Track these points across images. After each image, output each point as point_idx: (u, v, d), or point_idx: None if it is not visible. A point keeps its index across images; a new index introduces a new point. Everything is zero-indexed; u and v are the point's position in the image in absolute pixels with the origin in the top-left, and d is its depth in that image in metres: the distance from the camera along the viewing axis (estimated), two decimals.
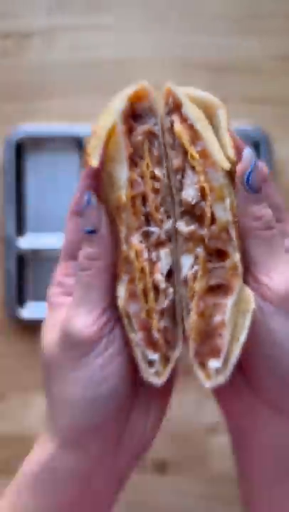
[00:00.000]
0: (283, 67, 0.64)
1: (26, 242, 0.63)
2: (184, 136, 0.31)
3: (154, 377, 0.31)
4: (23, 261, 0.63)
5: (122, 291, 0.31)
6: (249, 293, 0.30)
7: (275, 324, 0.30)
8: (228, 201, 0.30)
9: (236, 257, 0.30)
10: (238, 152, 0.31)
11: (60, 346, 0.31)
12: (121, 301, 0.31)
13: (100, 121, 0.32)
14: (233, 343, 0.30)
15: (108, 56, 0.64)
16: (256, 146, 0.62)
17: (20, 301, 0.63)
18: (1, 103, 0.64)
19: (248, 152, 0.31)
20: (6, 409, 0.64)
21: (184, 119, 0.32)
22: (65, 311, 0.32)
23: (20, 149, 0.62)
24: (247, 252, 0.31)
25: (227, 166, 0.30)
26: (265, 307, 0.30)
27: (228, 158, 0.31)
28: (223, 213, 0.30)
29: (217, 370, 0.30)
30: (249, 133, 0.62)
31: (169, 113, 0.33)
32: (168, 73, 0.63)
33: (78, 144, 0.62)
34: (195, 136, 0.31)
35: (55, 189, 0.63)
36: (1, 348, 0.64)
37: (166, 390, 0.34)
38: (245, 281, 0.31)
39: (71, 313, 0.31)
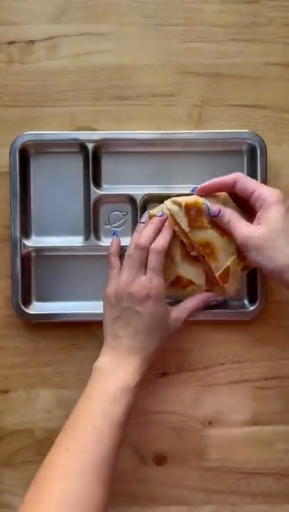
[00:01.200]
0: (279, 73, 0.65)
1: (31, 243, 0.64)
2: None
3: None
4: (28, 262, 0.64)
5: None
6: (235, 265, 0.60)
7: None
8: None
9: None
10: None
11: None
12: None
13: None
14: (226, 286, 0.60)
15: (109, 63, 0.64)
16: (252, 150, 0.63)
17: (26, 300, 0.64)
18: (5, 109, 0.64)
19: (206, 207, 0.58)
20: (12, 404, 0.65)
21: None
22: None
23: (25, 155, 0.64)
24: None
25: None
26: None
27: None
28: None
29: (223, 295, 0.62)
30: (245, 137, 0.63)
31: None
32: (167, 79, 0.65)
33: (81, 149, 0.64)
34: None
35: (59, 193, 0.65)
36: (8, 345, 0.65)
37: None
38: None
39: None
